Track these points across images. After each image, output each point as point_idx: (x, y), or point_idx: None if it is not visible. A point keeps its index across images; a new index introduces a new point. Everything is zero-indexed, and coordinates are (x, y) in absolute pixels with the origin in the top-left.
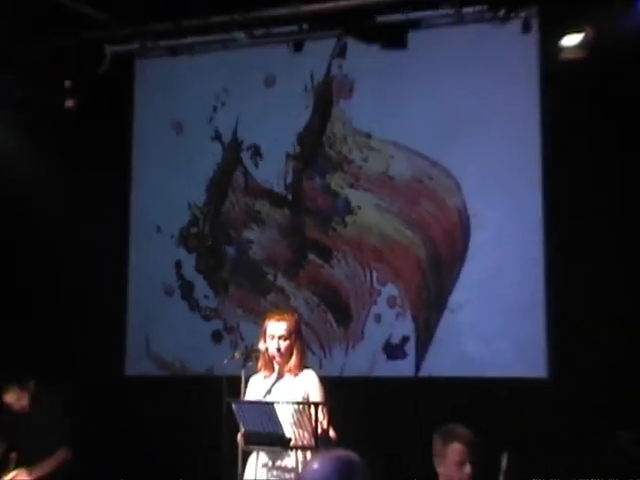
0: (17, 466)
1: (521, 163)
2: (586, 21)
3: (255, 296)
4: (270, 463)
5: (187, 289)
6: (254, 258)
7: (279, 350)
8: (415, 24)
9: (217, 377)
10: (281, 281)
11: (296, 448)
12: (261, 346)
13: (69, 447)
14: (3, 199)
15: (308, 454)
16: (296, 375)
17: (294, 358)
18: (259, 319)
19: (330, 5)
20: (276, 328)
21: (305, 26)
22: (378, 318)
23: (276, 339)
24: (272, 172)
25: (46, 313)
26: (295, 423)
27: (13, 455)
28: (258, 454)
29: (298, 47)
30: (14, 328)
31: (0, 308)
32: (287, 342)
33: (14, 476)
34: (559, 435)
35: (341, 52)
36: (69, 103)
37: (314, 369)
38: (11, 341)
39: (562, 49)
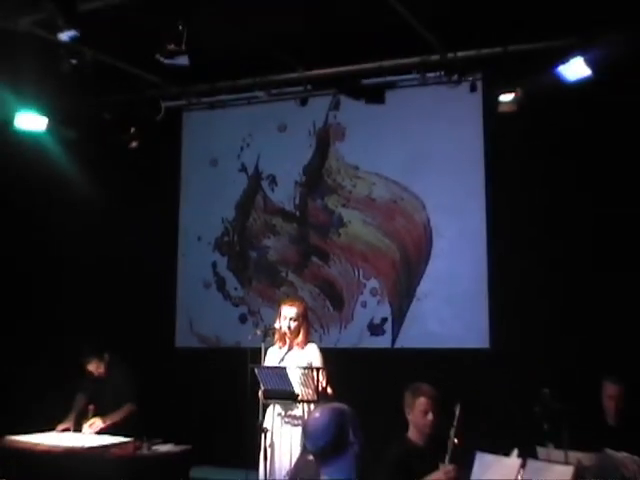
0: (94, 415)
1: (470, 189)
2: (517, 84)
3: (272, 288)
4: (283, 413)
5: (221, 283)
6: (271, 260)
7: (289, 328)
8: (391, 85)
9: (243, 349)
10: (291, 277)
11: (302, 401)
12: (276, 325)
13: (134, 402)
14: (83, 218)
15: (312, 406)
16: (302, 347)
17: (301, 335)
18: (275, 305)
19: (327, 71)
20: (288, 311)
21: (309, 87)
22: (364, 304)
23: (287, 320)
24: (284, 195)
25: (117, 305)
26: (302, 383)
27: (91, 407)
28: (274, 406)
29: (304, 102)
30: (98, 318)
31: (92, 301)
32: (296, 323)
33: (92, 422)
34: (498, 391)
35: (336, 106)
36: (133, 144)
37: (316, 342)
38: (96, 326)
39: (500, 104)
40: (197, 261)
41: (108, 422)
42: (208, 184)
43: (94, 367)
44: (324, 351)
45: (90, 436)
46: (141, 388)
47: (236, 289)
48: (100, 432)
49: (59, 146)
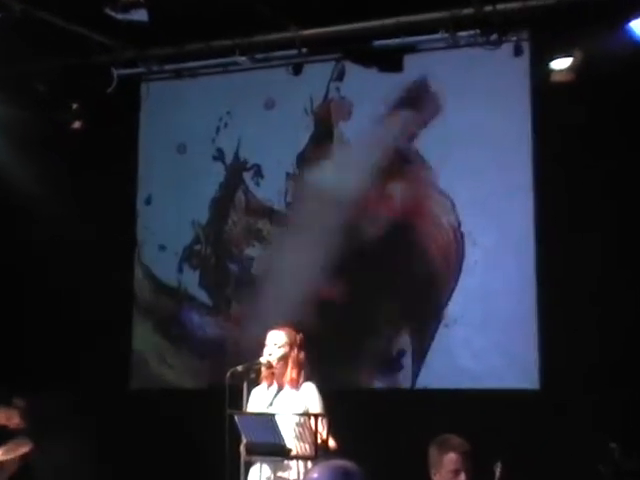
0: None
1: (514, 183)
2: (576, 45)
3: (257, 311)
4: (272, 475)
5: (191, 304)
6: (256, 274)
7: (270, 356)
8: (411, 48)
9: (219, 390)
10: None
11: (297, 458)
12: (262, 359)
13: (33, 442)
14: (11, 220)
15: (309, 464)
16: (297, 388)
17: (289, 369)
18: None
19: (329, 30)
20: (273, 337)
21: (304, 50)
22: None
23: (271, 346)
24: (273, 191)
25: (55, 336)
26: (297, 436)
27: None
28: (261, 465)
29: (297, 71)
30: (26, 352)
31: (20, 327)
32: (282, 350)
33: None
34: (551, 445)
35: (339, 76)
36: (76, 124)
37: (314, 381)
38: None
39: (552, 72)
40: (160, 276)
41: None
42: (174, 176)
43: (4, 419)
44: (325, 393)
45: None
46: (86, 440)
47: (210, 313)
48: None
49: None
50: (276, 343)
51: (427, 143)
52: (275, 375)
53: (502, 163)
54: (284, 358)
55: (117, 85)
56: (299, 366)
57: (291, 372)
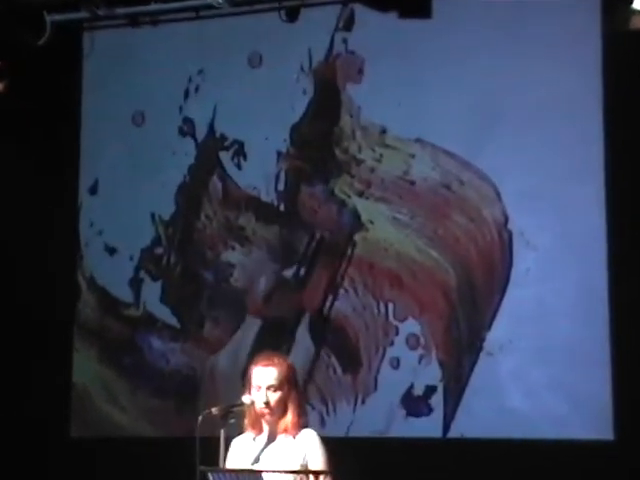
0: None
1: (579, 165)
2: None
3: (237, 335)
4: None
5: (148, 326)
6: (236, 286)
7: (268, 404)
8: None
9: (188, 440)
10: None
11: None
12: (246, 399)
13: None
14: None
15: None
16: (292, 435)
17: (289, 414)
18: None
19: None
20: (264, 376)
21: None
22: (395, 363)
23: (264, 390)
24: (260, 176)
25: None
26: None
27: None
28: None
29: (292, 16)
30: None
31: None
32: (278, 394)
33: None
34: None
35: (347, 23)
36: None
37: (314, 428)
38: None
39: (632, 16)
40: (109, 288)
41: None
42: (128, 157)
43: None
44: (328, 443)
45: None
46: None
47: (176, 337)
48: None
49: None
50: (270, 385)
51: (463, 114)
52: (268, 422)
53: (564, 138)
54: (282, 402)
55: (51, 35)
56: (299, 408)
57: (292, 416)
